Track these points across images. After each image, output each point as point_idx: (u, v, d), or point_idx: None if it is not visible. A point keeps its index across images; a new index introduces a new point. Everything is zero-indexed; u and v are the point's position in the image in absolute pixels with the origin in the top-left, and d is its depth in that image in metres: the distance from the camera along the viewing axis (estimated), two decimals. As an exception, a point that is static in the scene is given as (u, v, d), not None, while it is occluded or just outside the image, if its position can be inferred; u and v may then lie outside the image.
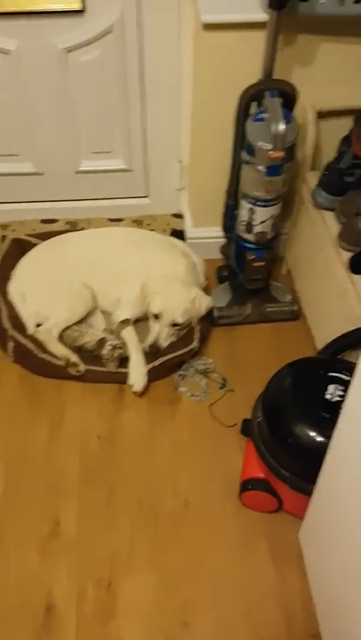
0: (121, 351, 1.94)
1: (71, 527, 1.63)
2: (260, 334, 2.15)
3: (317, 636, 1.44)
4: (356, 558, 1.13)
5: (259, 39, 1.74)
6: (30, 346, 1.91)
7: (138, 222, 2.42)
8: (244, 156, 1.75)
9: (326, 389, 1.43)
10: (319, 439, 1.39)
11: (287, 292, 2.22)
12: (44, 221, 2.40)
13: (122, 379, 1.94)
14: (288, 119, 1.68)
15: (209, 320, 2.13)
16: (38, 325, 2.00)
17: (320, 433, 1.40)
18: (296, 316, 2.19)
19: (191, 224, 2.36)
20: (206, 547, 1.60)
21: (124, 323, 2.02)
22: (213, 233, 2.29)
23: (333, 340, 1.68)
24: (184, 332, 2.01)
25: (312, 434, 1.41)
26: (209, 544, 1.60)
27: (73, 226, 2.38)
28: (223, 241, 2.26)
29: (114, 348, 1.93)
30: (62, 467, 1.76)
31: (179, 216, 2.45)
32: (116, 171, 2.34)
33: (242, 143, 1.76)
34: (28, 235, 2.26)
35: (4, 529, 1.62)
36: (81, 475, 1.74)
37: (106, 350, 1.94)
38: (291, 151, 1.71)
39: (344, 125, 1.94)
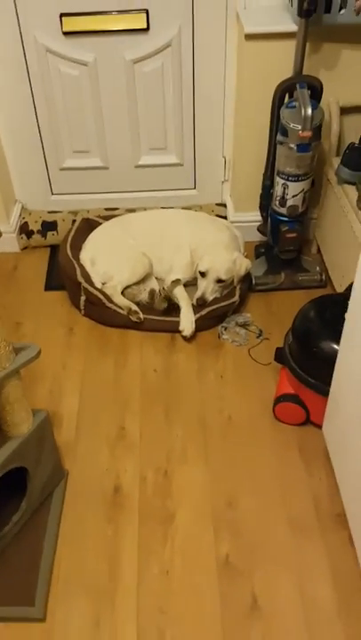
0: (165, 292, 2.32)
1: (135, 432, 1.97)
2: (292, 298, 2.48)
3: (341, 515, 1.72)
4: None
5: (291, 46, 2.15)
6: (100, 295, 2.30)
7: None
8: (279, 137, 2.15)
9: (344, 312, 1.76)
10: (337, 348, 1.71)
11: (317, 264, 2.56)
12: (107, 209, 2.81)
13: (174, 327, 2.30)
14: (315, 106, 2.07)
15: (247, 286, 2.48)
16: (104, 284, 2.39)
17: (337, 343, 1.71)
18: (325, 284, 2.52)
19: (233, 210, 2.75)
20: (247, 449, 1.91)
21: (175, 283, 2.39)
22: (251, 217, 2.67)
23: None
24: (227, 290, 2.37)
25: (332, 344, 1.73)
26: (249, 447, 1.92)
27: (131, 213, 2.79)
28: (259, 224, 2.63)
29: (160, 290, 2.32)
30: (126, 390, 2.11)
31: (222, 205, 2.84)
32: (170, 165, 2.76)
33: (277, 127, 2.16)
34: (96, 216, 2.69)
35: (82, 432, 1.98)
36: (142, 395, 2.09)
37: (156, 299, 2.32)
38: (317, 132, 2.10)
39: (363, 119, 2.33)
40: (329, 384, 1.75)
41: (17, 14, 2.29)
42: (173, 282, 2.39)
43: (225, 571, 1.62)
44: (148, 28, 2.35)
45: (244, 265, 2.36)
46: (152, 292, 2.33)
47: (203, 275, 2.32)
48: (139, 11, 2.29)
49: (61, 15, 2.29)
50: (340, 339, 1.62)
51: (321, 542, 1.68)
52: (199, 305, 2.31)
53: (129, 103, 2.55)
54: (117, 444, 1.94)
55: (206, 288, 2.31)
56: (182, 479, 1.83)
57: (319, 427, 1.92)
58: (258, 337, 2.32)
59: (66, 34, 2.34)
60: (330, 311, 1.82)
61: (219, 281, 2.31)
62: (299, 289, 2.53)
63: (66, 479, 1.83)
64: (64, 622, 1.55)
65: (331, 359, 1.70)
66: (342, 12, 2.05)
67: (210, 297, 2.31)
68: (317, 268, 2.55)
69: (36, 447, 1.61)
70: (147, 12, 2.30)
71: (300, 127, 2.07)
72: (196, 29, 2.35)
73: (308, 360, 1.83)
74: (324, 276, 2.52)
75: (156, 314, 2.32)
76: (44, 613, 1.56)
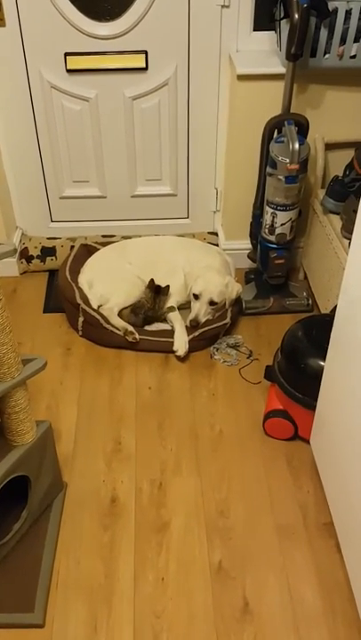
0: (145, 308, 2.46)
1: (130, 445, 2.05)
2: (281, 322, 2.60)
3: (328, 524, 1.80)
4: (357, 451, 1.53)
5: (279, 86, 2.32)
6: (97, 317, 2.40)
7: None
8: (269, 170, 2.30)
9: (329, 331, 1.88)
10: (323, 364, 1.82)
11: (304, 290, 2.69)
12: (104, 236, 2.94)
13: (168, 347, 2.40)
14: (301, 141, 2.23)
15: (238, 310, 2.60)
16: (100, 306, 2.50)
17: (323, 360, 1.83)
18: (311, 308, 2.65)
19: (223, 238, 2.89)
20: (237, 462, 2.00)
21: (170, 309, 2.51)
22: (241, 245, 2.81)
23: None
24: (219, 313, 2.49)
25: (319, 361, 1.85)
26: (239, 460, 2.01)
27: (127, 240, 2.91)
28: (249, 251, 2.77)
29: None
30: (122, 406, 2.20)
31: (213, 233, 2.98)
32: (164, 195, 2.90)
33: (266, 160, 2.31)
34: (94, 242, 2.81)
35: (79, 446, 2.05)
36: (137, 411, 2.18)
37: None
38: (304, 165, 2.25)
39: (347, 155, 2.50)
40: (316, 399, 1.85)
41: (24, 52, 2.45)
42: (168, 308, 2.50)
43: (217, 576, 1.69)
44: (146, 68, 2.52)
45: (235, 289, 2.48)
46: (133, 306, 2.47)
47: (196, 297, 2.43)
48: (138, 52, 2.46)
49: (66, 54, 2.46)
50: (325, 356, 1.74)
51: (308, 549, 1.76)
52: (192, 326, 2.42)
53: (127, 137, 2.70)
54: (114, 457, 2.02)
55: (199, 310, 2.42)
56: (176, 490, 1.91)
57: (307, 441, 2.02)
58: (248, 357, 2.43)
59: (70, 71, 2.50)
60: (316, 330, 1.94)
61: (211, 303, 2.42)
62: (287, 313, 2.65)
63: (65, 490, 1.90)
64: (63, 628, 1.60)
65: (317, 375, 1.81)
66: (327, 56, 2.22)
67: (203, 318, 2.43)
68: (304, 294, 2.68)
69: (38, 456, 1.69)
70: (146, 52, 2.47)
71: (288, 160, 2.22)
72: (192, 70, 2.52)
73: (296, 376, 1.93)
74: (310, 301, 2.65)
75: (150, 335, 2.42)
76: (43, 619, 1.61)
